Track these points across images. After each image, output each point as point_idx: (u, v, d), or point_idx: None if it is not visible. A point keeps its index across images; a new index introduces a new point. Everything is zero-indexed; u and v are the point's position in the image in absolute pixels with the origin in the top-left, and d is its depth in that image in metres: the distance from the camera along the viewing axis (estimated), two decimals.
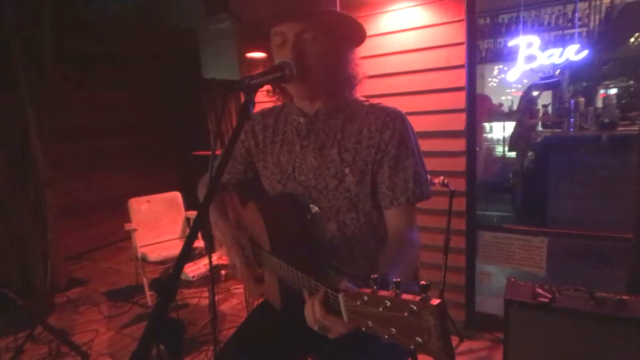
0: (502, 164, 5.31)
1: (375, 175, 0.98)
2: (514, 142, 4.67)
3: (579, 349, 1.68)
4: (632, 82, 5.76)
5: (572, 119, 3.78)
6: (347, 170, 0.97)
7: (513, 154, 4.83)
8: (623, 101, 5.07)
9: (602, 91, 5.71)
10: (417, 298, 0.51)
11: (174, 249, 3.08)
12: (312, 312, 0.70)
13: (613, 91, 5.74)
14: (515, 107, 5.73)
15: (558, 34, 5.30)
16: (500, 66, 7.63)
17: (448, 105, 2.27)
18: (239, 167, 1.18)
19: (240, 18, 3.62)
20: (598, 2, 4.73)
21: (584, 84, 5.62)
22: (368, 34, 1.02)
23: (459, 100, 2.25)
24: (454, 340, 2.29)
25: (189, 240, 0.68)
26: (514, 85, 7.50)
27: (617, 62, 6.08)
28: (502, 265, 2.34)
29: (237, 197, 1.15)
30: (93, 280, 3.57)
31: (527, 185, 4.11)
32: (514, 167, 4.65)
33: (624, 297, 1.70)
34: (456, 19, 2.18)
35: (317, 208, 1.00)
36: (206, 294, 2.91)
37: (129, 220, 3.18)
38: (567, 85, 5.31)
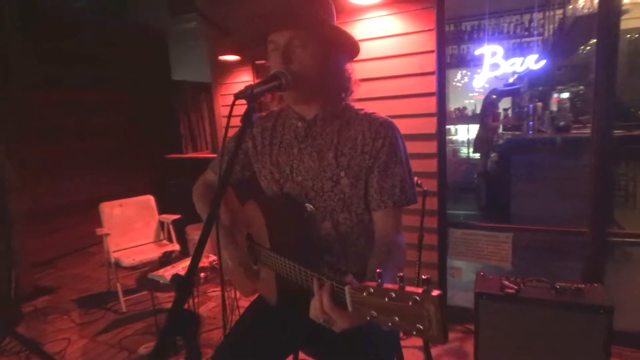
0: (467, 165, 5.57)
1: (367, 180, 1.05)
2: (478, 144, 4.90)
3: (543, 334, 1.83)
4: (582, 87, 6.22)
5: (531, 122, 4.03)
6: (342, 174, 1.04)
7: (477, 155, 5.08)
8: (573, 104, 5.45)
9: (555, 95, 6.12)
10: (420, 290, 0.58)
11: (149, 253, 3.04)
12: (320, 304, 0.74)
13: (565, 95, 6.16)
14: (478, 111, 6.02)
15: (516, 42, 5.64)
16: (464, 71, 7.98)
17: (420, 109, 2.39)
18: (235, 167, 1.22)
19: (209, 18, 3.61)
20: (552, 13, 5.07)
21: (540, 89, 6.00)
22: None
23: (431, 104, 2.37)
24: None
25: (203, 238, 0.72)
26: (476, 89, 7.87)
27: (569, 69, 6.53)
28: (471, 260, 2.48)
29: (235, 196, 1.19)
30: (61, 288, 3.45)
31: (491, 185, 4.34)
32: (479, 167, 4.89)
33: (581, 286, 1.86)
34: (427, 28, 2.31)
35: (312, 207, 1.06)
36: None
37: (98, 225, 3.09)
38: (525, 90, 5.64)
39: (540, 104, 4.22)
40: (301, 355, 1.32)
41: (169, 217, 3.26)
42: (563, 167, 3.36)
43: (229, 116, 0.80)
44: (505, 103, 5.55)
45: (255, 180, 1.19)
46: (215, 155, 1.31)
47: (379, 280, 0.64)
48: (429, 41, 2.32)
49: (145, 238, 3.31)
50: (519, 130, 4.35)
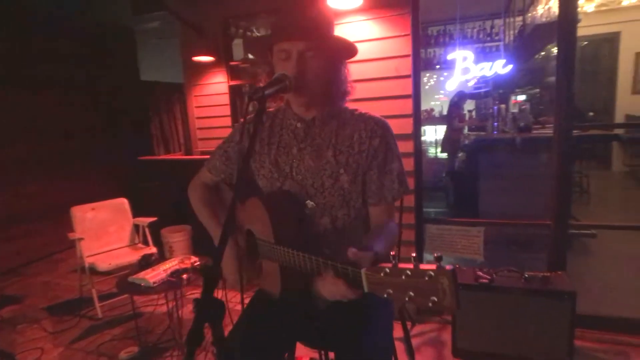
0: (436, 165, 5.79)
1: (365, 177, 1.13)
2: (446, 144, 5.11)
3: (514, 319, 1.97)
4: (537, 90, 6.65)
5: (496, 123, 4.27)
6: (341, 171, 1.11)
7: (444, 155, 5.30)
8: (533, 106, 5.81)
9: (513, 97, 6.49)
10: (434, 266, 0.66)
11: (125, 257, 2.98)
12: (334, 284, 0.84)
13: (521, 97, 6.55)
14: (444, 112, 6.26)
15: (479, 47, 5.92)
16: (430, 74, 8.28)
17: (397, 110, 2.50)
18: (232, 167, 1.25)
19: (182, 18, 3.57)
20: (512, 20, 5.38)
21: (501, 91, 6.35)
22: None
23: (407, 106, 2.49)
24: (408, 325, 2.51)
25: (224, 237, 0.76)
26: (441, 91, 8.19)
27: (526, 72, 6.94)
28: (446, 254, 2.61)
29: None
30: (29, 296, 3.30)
31: (459, 183, 4.54)
32: (447, 167, 5.10)
33: (547, 274, 2.03)
34: (403, 34, 2.42)
35: (312, 203, 1.12)
36: (162, 301, 2.85)
37: (67, 230, 2.98)
38: (490, 93, 5.94)
39: (503, 105, 4.47)
40: (298, 352, 1.37)
41: (145, 220, 3.20)
42: (525, 165, 3.58)
43: (244, 116, 0.85)
44: (469, 105, 5.83)
45: (252, 179, 1.23)
46: (207, 157, 1.34)
47: (394, 262, 0.71)
48: (404, 46, 2.43)
49: (120, 242, 3.23)
50: (483, 130, 4.58)
